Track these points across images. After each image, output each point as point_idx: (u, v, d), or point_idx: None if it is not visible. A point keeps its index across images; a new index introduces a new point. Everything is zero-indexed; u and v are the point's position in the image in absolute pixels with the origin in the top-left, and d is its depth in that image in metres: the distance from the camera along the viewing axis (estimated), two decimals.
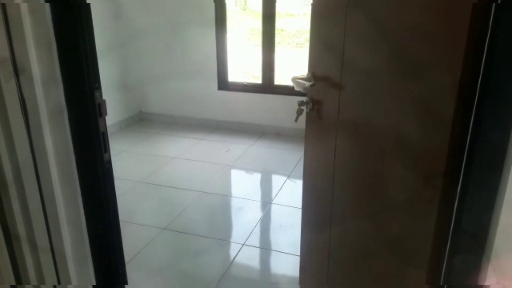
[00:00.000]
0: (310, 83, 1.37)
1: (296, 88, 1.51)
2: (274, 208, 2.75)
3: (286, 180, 3.11)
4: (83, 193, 1.10)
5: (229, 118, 4.14)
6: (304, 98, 1.46)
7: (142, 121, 4.42)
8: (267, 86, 3.98)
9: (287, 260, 2.20)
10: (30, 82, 0.99)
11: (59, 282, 1.16)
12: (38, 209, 1.08)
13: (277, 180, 3.23)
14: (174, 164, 3.44)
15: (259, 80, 4.05)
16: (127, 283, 1.30)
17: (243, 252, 2.29)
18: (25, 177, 1.04)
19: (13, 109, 1.00)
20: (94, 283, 1.19)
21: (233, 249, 2.32)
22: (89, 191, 1.10)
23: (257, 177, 3.34)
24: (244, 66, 4.84)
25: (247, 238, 2.40)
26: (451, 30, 0.78)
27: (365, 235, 1.18)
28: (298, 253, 1.83)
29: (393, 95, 0.97)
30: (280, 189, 3.00)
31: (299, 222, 1.75)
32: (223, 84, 4.12)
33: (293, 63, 4.98)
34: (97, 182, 1.11)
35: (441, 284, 0.89)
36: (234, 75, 4.21)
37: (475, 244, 0.83)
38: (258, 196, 2.98)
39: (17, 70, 0.99)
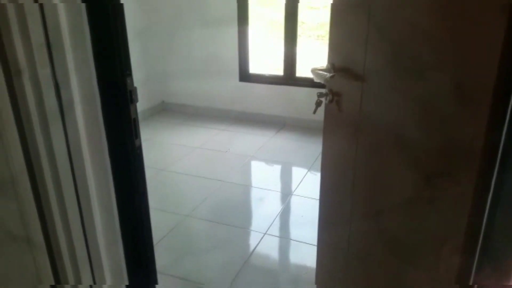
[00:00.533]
0: (330, 74, 1.37)
1: (316, 79, 1.50)
2: (295, 200, 2.76)
3: (307, 173, 3.11)
4: (115, 178, 1.13)
5: (250, 109, 4.16)
6: (323, 90, 1.46)
7: (165, 111, 4.48)
8: (289, 78, 3.97)
9: (307, 251, 2.21)
10: (63, 68, 1.02)
11: (92, 270, 1.20)
12: (72, 196, 1.11)
13: (298, 172, 3.24)
14: (195, 154, 3.48)
15: (280, 72, 4.04)
16: (157, 283, 1.35)
17: (265, 241, 2.31)
18: (60, 163, 1.07)
19: (49, 94, 1.03)
20: (125, 268, 1.22)
21: (255, 238, 2.34)
22: (120, 176, 1.13)
23: (277, 168, 3.35)
24: (265, 58, 4.83)
25: (269, 228, 2.42)
26: (486, 30, 0.77)
27: (386, 231, 1.18)
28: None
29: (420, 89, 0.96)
30: (301, 181, 3.00)
31: None
32: (245, 75, 4.13)
33: (314, 56, 4.94)
34: (128, 167, 1.14)
35: (470, 284, 0.89)
36: (255, 67, 4.21)
37: (507, 244, 0.82)
38: (278, 187, 2.99)
39: (52, 56, 1.02)
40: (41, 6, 0.96)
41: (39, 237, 1.16)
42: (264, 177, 3.17)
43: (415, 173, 1.02)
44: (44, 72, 1.01)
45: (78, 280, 1.21)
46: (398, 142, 1.07)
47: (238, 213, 2.62)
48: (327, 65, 1.42)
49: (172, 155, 3.44)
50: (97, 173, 1.12)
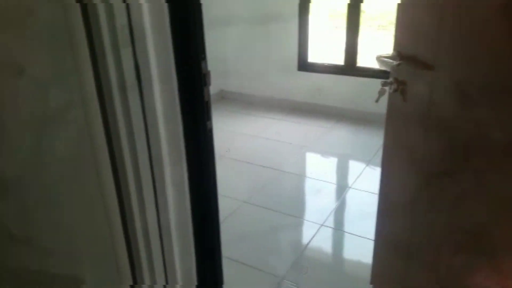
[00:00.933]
0: (396, 62, 1.32)
1: (380, 67, 1.46)
2: (353, 193, 2.69)
3: (365, 167, 3.02)
4: (188, 158, 1.15)
5: (308, 99, 4.10)
6: (388, 79, 1.41)
7: (223, 99, 4.55)
8: (349, 68, 3.86)
9: (364, 246, 2.15)
10: (144, 50, 1.06)
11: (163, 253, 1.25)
12: (148, 175, 1.15)
13: (356, 165, 3.16)
14: (253, 142, 3.50)
15: (339, 62, 3.94)
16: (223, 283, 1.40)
17: (321, 232, 2.29)
18: (138, 141, 1.11)
19: (130, 75, 1.07)
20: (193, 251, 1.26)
21: (311, 229, 2.32)
22: (193, 156, 1.16)
23: (334, 160, 3.29)
24: (324, 47, 4.74)
25: (326, 220, 2.39)
26: None
27: (452, 229, 1.11)
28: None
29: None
30: (359, 175, 2.92)
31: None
32: (303, 64, 4.08)
33: (375, 46, 4.78)
34: (200, 148, 1.16)
35: None
36: (314, 56, 4.14)
37: None
38: (335, 179, 2.94)
39: (133, 36, 1.05)
40: None
41: (120, 237, 1.22)
42: (320, 168, 3.13)
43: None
44: (126, 51, 1.05)
45: (154, 281, 1.27)
46: (476, 139, 1.00)
47: (295, 203, 2.61)
48: (392, 53, 1.37)
49: (230, 142, 3.49)
50: (172, 154, 1.15)
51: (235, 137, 3.59)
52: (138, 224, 1.21)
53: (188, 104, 1.13)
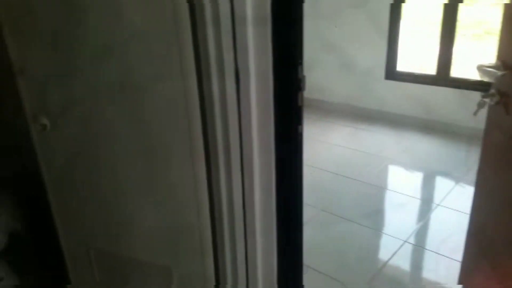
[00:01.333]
0: (501, 72, 1.22)
1: (481, 77, 1.36)
2: (441, 211, 2.52)
3: (455, 185, 2.80)
4: (277, 160, 1.17)
5: (395, 109, 3.92)
6: (488, 91, 1.30)
7: (305, 107, 4.53)
8: (442, 78, 3.63)
9: (451, 266, 2.00)
10: (244, 52, 1.08)
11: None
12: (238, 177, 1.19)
13: (445, 182, 2.95)
14: (333, 151, 3.44)
15: (430, 71, 3.72)
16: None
17: (404, 249, 2.17)
18: (232, 146, 1.15)
19: (230, 76, 1.11)
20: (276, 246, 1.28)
21: (392, 245, 2.21)
22: (281, 160, 1.17)
23: (420, 175, 3.10)
24: (414, 55, 4.52)
25: (409, 236, 2.26)
26: None
27: None
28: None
29: None
30: (448, 192, 2.72)
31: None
32: (391, 73, 3.92)
33: (469, 56, 4.45)
34: (290, 152, 1.17)
35: None
36: (402, 65, 3.96)
37: None
38: (420, 195, 2.78)
39: (236, 42, 1.09)
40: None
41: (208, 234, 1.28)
42: (405, 182, 2.98)
43: None
44: (228, 57, 1.09)
45: (236, 281, 1.31)
46: None
47: (375, 216, 2.52)
48: (496, 62, 1.28)
49: (309, 149, 3.46)
50: (262, 155, 1.17)
51: (315, 144, 3.56)
52: (225, 225, 1.25)
53: (281, 106, 1.14)
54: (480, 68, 1.35)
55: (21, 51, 1.32)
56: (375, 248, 2.25)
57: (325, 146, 3.51)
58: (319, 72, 4.27)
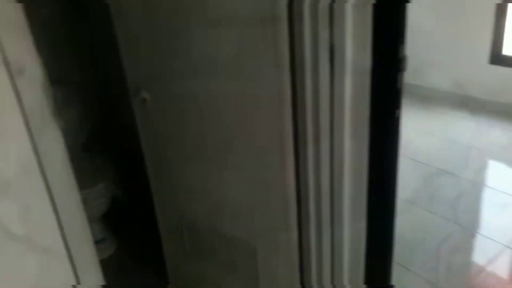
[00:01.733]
0: None
1: None
2: None
3: None
4: (371, 146, 1.10)
5: (500, 98, 3.51)
6: None
7: None
8: None
9: None
10: (341, 27, 1.02)
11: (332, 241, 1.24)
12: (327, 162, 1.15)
13: None
14: (428, 140, 3.19)
15: None
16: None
17: (504, 254, 1.95)
18: (322, 127, 1.11)
19: (323, 51, 1.05)
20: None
21: (491, 249, 2.00)
22: (376, 145, 1.10)
23: None
24: None
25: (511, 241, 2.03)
26: None
27: None
28: None
29: None
30: None
31: None
32: (497, 57, 3.49)
33: None
34: (385, 137, 1.10)
35: None
36: (509, 48, 3.50)
37: None
38: None
39: (333, 18, 1.03)
40: None
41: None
42: (509, 180, 2.66)
43: None
44: (323, 34, 1.04)
45: (320, 272, 1.28)
46: None
47: (471, 215, 2.30)
48: None
49: (403, 138, 3.25)
50: (354, 140, 1.11)
51: (409, 132, 3.32)
52: (311, 211, 1.21)
53: (378, 87, 1.06)
54: None
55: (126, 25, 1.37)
56: (470, 250, 2.06)
57: (420, 135, 3.26)
58: (417, 55, 3.94)
